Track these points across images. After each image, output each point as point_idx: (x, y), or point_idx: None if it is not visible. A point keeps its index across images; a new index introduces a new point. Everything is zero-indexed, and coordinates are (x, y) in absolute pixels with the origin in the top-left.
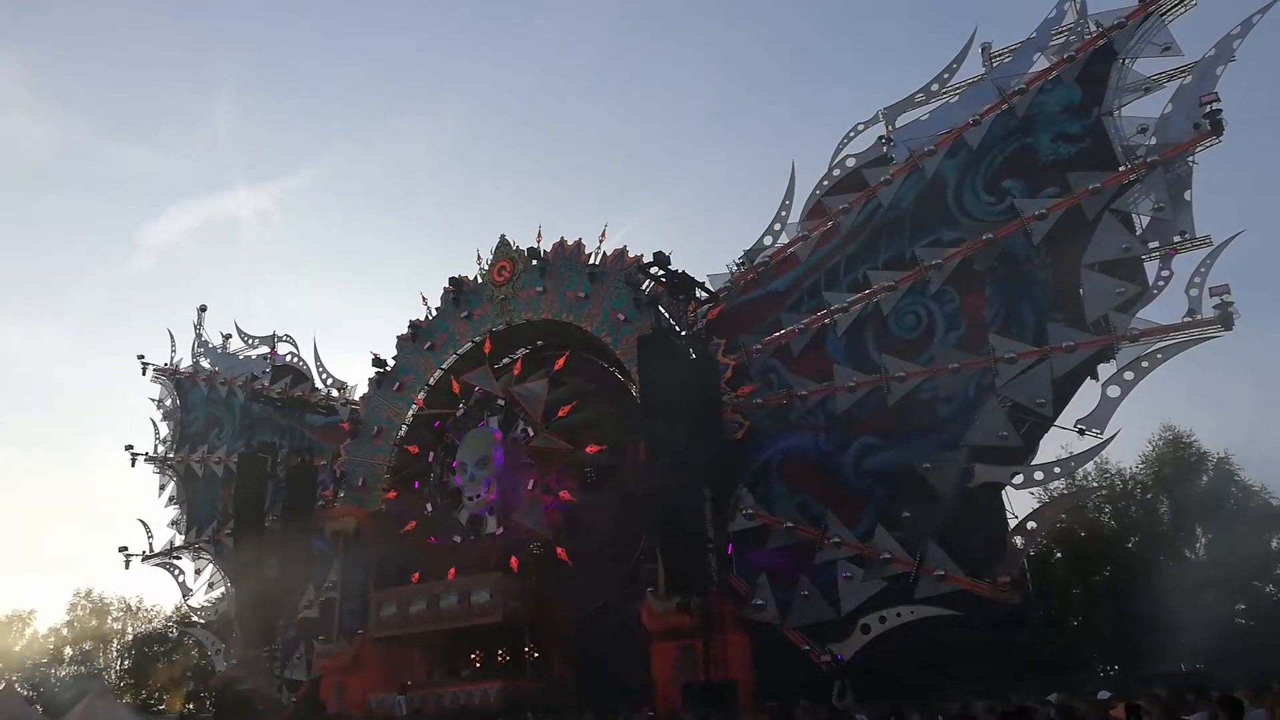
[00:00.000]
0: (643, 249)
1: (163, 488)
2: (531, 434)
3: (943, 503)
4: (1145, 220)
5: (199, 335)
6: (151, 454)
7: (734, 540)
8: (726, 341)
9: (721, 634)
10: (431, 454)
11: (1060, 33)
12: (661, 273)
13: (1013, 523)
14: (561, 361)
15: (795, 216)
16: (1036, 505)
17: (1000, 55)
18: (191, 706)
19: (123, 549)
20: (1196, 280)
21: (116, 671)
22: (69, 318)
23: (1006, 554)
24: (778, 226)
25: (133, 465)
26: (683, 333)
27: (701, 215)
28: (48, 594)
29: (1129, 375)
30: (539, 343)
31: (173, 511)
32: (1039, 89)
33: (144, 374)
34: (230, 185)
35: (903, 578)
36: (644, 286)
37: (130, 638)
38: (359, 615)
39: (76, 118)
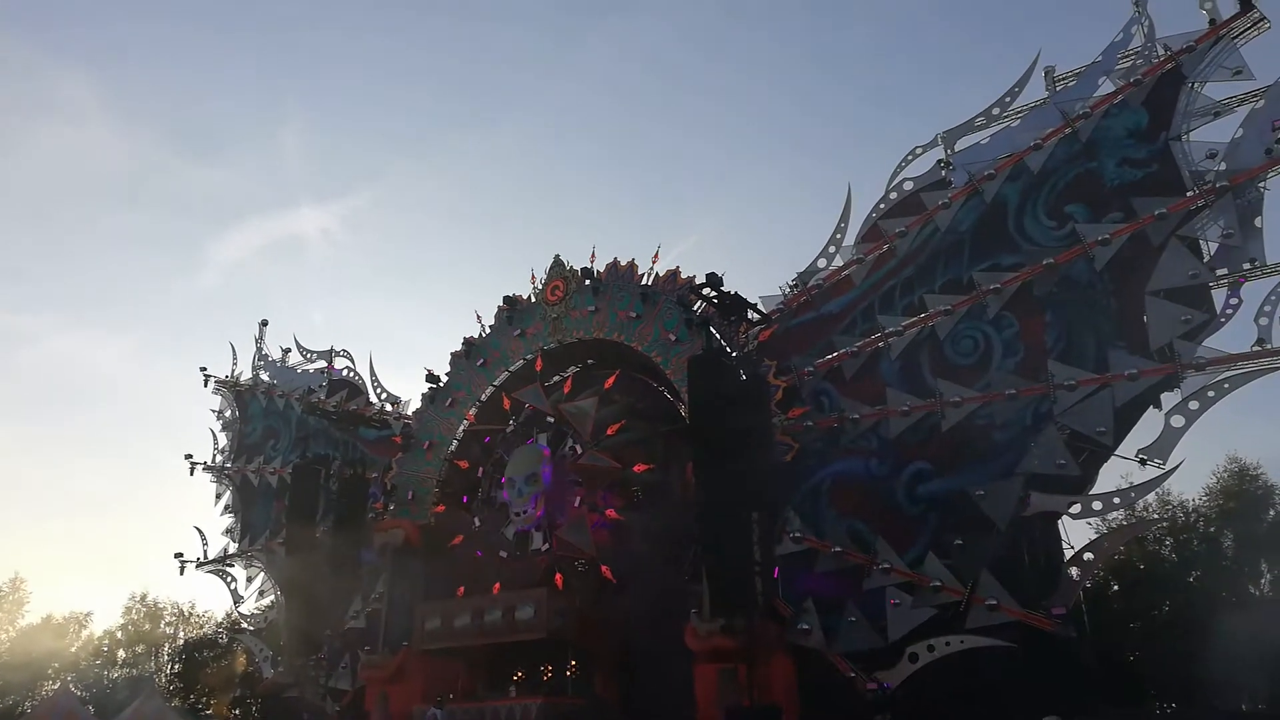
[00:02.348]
0: (695, 270)
1: (219, 496)
2: (580, 452)
3: (997, 531)
4: (1213, 247)
5: (260, 349)
6: (210, 463)
7: (781, 564)
8: (778, 363)
9: (766, 658)
10: (481, 469)
11: (1127, 56)
12: (714, 294)
13: (1069, 553)
14: (612, 380)
15: (850, 239)
16: (1094, 536)
17: (1064, 79)
18: (238, 712)
19: (178, 555)
20: (1267, 309)
21: (167, 675)
22: (138, 330)
23: (1061, 585)
24: (832, 249)
25: (191, 474)
26: (734, 354)
27: (755, 237)
28: (104, 597)
29: (1194, 405)
30: (590, 361)
31: (228, 520)
32: (1104, 113)
33: (206, 386)
34: (296, 204)
35: (953, 607)
36: (696, 307)
37: (181, 642)
38: (404, 627)
39: (148, 137)
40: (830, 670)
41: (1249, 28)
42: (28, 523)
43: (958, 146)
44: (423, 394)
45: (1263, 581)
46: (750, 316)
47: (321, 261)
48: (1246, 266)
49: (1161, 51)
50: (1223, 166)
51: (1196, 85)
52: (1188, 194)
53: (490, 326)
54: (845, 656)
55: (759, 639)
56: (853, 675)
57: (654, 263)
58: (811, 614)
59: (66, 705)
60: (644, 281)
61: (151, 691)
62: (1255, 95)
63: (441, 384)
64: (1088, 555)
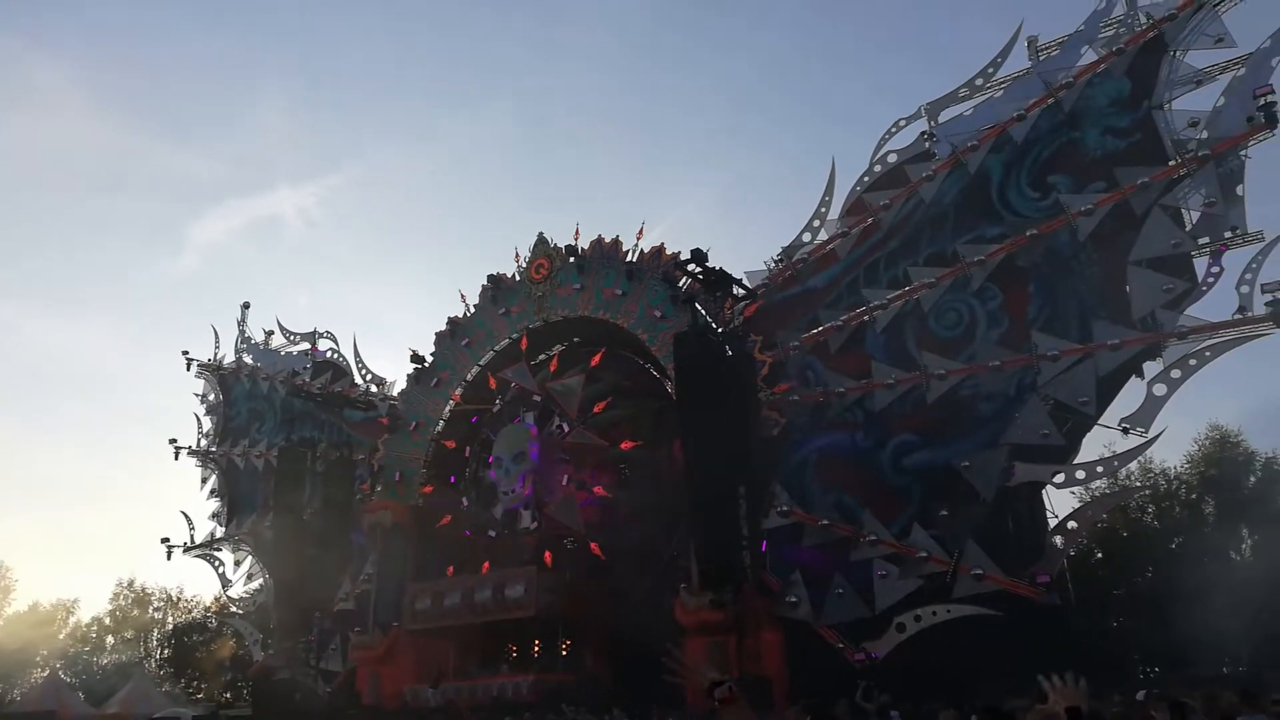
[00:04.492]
0: (680, 246)
1: (205, 480)
2: (567, 430)
3: (982, 501)
4: (1195, 215)
5: (242, 332)
6: (195, 447)
7: (768, 537)
8: (763, 338)
9: (755, 631)
10: (468, 449)
11: (1109, 25)
12: (699, 270)
13: (1053, 522)
14: (598, 358)
15: (835, 213)
16: (1078, 505)
17: (1047, 49)
18: (229, 695)
19: (165, 540)
20: (1248, 277)
21: (157, 660)
22: (118, 314)
23: (1046, 554)
24: (817, 223)
25: (176, 458)
26: (719, 329)
27: (739, 213)
28: (91, 584)
29: (1176, 374)
30: (575, 339)
31: (214, 504)
32: (1086, 83)
33: (189, 369)
34: (274, 185)
35: (939, 577)
36: (681, 284)
37: (170, 627)
38: (394, 608)
39: (125, 120)
40: (819, 642)
41: None
42: (11, 511)
43: (941, 118)
44: (408, 374)
45: (1244, 547)
46: (735, 292)
47: (301, 242)
48: (1228, 235)
49: (1144, 20)
50: (1205, 135)
51: (1178, 53)
52: (1170, 163)
53: (475, 306)
54: (833, 628)
55: (747, 612)
56: (841, 646)
57: (638, 239)
58: (799, 586)
59: (56, 692)
60: (629, 258)
61: (141, 676)
62: (1237, 63)
63: (427, 364)
64: (1071, 524)
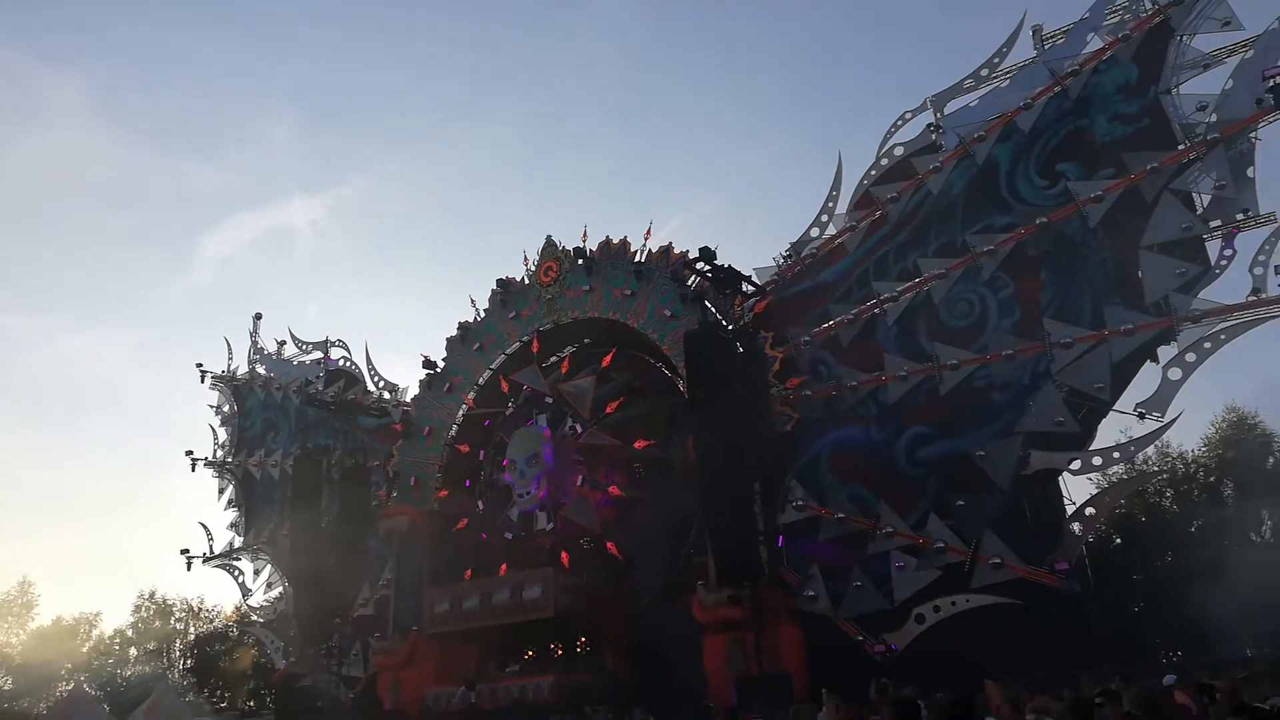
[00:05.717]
0: (688, 245)
1: (222, 491)
2: (580, 431)
3: (998, 491)
4: (1206, 199)
5: (255, 342)
6: (211, 459)
7: (784, 532)
8: (774, 334)
9: (774, 626)
10: (482, 452)
11: (1114, 12)
12: (707, 268)
13: (1070, 509)
14: (609, 359)
15: (843, 207)
16: (1095, 491)
17: (1052, 37)
18: (252, 704)
19: (184, 551)
20: (1261, 259)
21: (180, 671)
22: (132, 328)
23: (1064, 541)
24: (825, 218)
25: (193, 470)
26: (730, 327)
27: (747, 210)
28: (113, 597)
29: (1191, 357)
30: (586, 340)
31: (232, 514)
32: (1093, 69)
33: (203, 381)
34: (285, 196)
35: (957, 567)
36: (690, 282)
37: (192, 638)
38: (413, 612)
39: (137, 137)
40: (839, 635)
41: None
42: (32, 526)
43: (947, 110)
44: (420, 380)
45: (1264, 528)
46: (745, 289)
47: (312, 253)
48: (1240, 217)
49: (1149, 5)
50: (1214, 118)
51: (1185, 38)
52: (1179, 147)
53: (485, 310)
54: (853, 620)
55: (766, 607)
56: (861, 639)
57: (646, 240)
58: (817, 580)
59: (80, 705)
60: (637, 259)
61: (165, 687)
62: (1244, 45)
63: (439, 370)
64: (1089, 510)
